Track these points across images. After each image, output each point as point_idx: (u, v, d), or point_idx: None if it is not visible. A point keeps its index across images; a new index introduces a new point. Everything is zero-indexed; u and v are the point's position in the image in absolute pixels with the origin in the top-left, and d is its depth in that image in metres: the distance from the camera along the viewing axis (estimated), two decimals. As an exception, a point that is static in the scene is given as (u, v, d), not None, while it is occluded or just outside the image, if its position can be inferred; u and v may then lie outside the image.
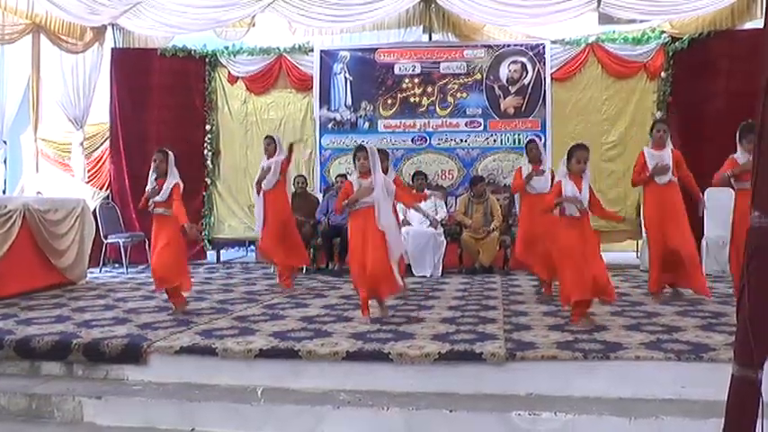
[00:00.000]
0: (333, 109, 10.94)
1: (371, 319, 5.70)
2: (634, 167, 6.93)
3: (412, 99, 10.77)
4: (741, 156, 5.92)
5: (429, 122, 10.71)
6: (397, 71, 10.78)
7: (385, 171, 6.36)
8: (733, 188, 6.09)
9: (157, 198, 6.16)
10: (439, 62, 10.71)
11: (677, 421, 3.82)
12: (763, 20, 2.47)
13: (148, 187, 6.26)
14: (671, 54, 10.13)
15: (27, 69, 10.22)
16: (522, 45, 10.58)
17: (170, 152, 6.35)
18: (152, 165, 6.29)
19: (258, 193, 7.76)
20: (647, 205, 7.09)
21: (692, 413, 3.86)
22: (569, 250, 5.40)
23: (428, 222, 8.31)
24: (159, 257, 6.16)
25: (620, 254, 10.73)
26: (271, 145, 7.84)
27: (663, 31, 10.17)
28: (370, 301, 5.81)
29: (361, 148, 5.93)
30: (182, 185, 6.28)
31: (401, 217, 9.34)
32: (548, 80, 10.44)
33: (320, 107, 10.93)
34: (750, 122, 5.78)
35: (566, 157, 5.56)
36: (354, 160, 5.91)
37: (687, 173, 6.66)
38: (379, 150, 6.07)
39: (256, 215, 7.95)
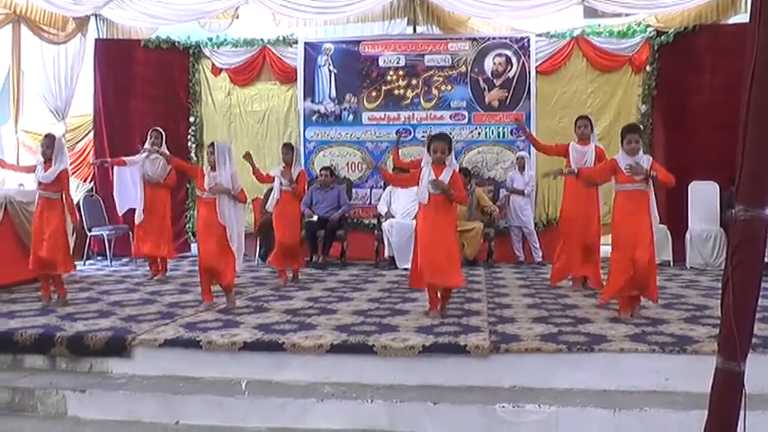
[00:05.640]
0: (317, 101, 10.87)
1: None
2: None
3: (396, 91, 10.72)
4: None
5: (413, 115, 10.66)
6: (381, 63, 10.73)
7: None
8: None
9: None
10: (423, 55, 10.66)
11: (661, 413, 3.85)
12: (748, 14, 2.47)
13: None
14: (656, 48, 10.12)
15: (7, 60, 10.09)
16: (506, 38, 10.55)
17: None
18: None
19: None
20: (565, 199, 7.19)
21: (676, 405, 3.90)
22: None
23: (413, 215, 8.28)
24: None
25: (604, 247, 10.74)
26: (288, 154, 7.86)
27: (648, 25, 10.16)
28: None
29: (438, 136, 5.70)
30: None
31: (384, 209, 9.36)
32: (532, 73, 10.41)
33: (304, 99, 10.87)
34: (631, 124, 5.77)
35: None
36: (429, 150, 5.61)
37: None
38: (442, 137, 5.73)
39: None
